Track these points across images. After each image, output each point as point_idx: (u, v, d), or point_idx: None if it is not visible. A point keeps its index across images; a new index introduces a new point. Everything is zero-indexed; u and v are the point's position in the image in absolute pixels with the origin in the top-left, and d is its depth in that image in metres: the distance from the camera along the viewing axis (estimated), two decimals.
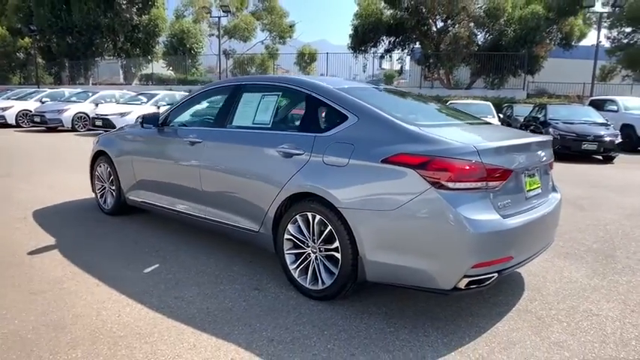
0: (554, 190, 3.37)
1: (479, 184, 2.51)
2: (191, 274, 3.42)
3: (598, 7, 23.93)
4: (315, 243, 2.98)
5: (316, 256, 2.99)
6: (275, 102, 3.46)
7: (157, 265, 3.59)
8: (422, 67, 26.04)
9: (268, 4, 31.30)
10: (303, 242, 3.06)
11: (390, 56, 28.12)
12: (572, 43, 25.81)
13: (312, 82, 3.36)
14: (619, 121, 13.47)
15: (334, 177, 2.83)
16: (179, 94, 16.28)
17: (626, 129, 13.28)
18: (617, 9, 24.29)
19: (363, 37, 25.12)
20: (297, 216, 3.05)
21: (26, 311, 2.79)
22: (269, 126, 3.42)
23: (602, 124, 11.75)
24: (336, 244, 2.83)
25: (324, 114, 3.20)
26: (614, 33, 27.32)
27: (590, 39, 28.01)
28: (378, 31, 25.04)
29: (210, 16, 27.75)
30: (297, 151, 3.05)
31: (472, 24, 24.36)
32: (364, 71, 28.78)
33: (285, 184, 3.08)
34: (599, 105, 14.74)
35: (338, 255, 2.83)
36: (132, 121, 13.80)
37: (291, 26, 32.48)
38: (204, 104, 4.26)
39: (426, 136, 2.67)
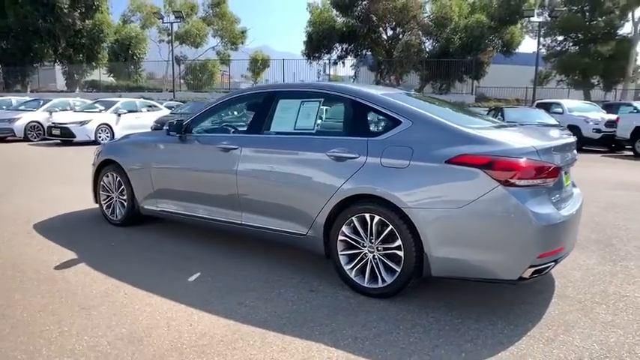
0: (574, 185, 3.69)
1: (539, 181, 2.74)
2: (239, 280, 3.42)
3: (535, 17, 25.80)
4: (372, 243, 3.09)
5: (374, 256, 3.10)
6: (317, 108, 3.53)
7: (199, 274, 3.54)
8: (375, 72, 26.83)
9: (219, 10, 30.92)
10: (358, 242, 3.16)
11: (343, 62, 28.70)
12: (512, 51, 27.60)
13: (356, 89, 3.48)
14: (565, 122, 14.56)
15: (395, 178, 2.96)
16: (139, 101, 15.78)
17: (572, 130, 14.36)
18: (550, 19, 26.32)
19: (318, 44, 25.50)
20: (353, 217, 3.14)
21: (90, 327, 2.69)
22: (313, 131, 3.50)
23: (554, 126, 12.69)
24: (398, 242, 2.96)
25: (373, 118, 3.32)
26: (549, 41, 29.45)
27: (528, 47, 30.04)
28: (332, 38, 25.53)
29: (162, 22, 26.95)
30: (351, 155, 3.15)
31: (421, 32, 25.40)
32: (318, 77, 29.17)
33: (340, 187, 3.16)
34: (545, 107, 15.86)
35: (400, 253, 2.96)
36: (93, 130, 13.23)
37: (243, 32, 32.27)
38: (230, 112, 4.24)
39: (484, 138, 2.87)
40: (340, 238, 3.22)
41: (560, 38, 28.79)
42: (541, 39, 29.28)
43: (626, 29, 27.86)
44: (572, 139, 3.44)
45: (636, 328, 2.77)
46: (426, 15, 25.06)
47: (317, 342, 2.55)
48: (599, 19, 28.05)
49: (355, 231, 3.16)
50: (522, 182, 2.68)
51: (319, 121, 3.54)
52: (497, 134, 2.98)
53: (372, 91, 3.42)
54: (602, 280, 3.52)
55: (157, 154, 4.39)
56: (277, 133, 3.68)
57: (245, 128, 3.93)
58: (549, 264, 2.78)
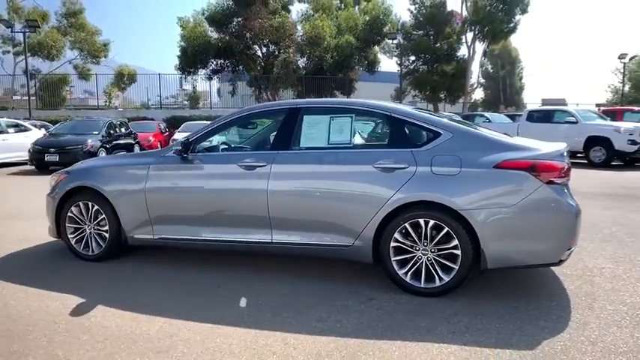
0: None
1: (565, 179, 3.30)
2: (292, 299, 3.36)
3: (394, 40, 28.82)
4: (426, 246, 3.35)
5: (428, 258, 3.36)
6: (350, 123, 3.67)
7: (244, 299, 3.38)
8: (253, 88, 27.06)
9: (75, 20, 27.87)
10: (411, 247, 3.38)
11: (219, 77, 28.30)
12: (375, 69, 30.34)
13: (389, 105, 3.72)
14: (583, 133, 13.06)
15: (450, 185, 3.27)
16: (4, 120, 13.54)
17: (598, 142, 12.87)
18: (404, 42, 29.69)
19: (193, 59, 24.78)
20: (406, 224, 3.36)
21: None
22: (350, 145, 3.63)
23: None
24: (455, 242, 3.26)
25: (411, 131, 3.58)
26: (405, 62, 33.04)
27: (388, 66, 33.21)
28: (208, 53, 25.04)
29: (12, 31, 23.31)
30: (400, 165, 3.38)
31: (296, 50, 26.35)
32: (194, 92, 28.34)
33: (392, 196, 3.35)
34: (546, 118, 14.48)
35: (457, 251, 3.27)
36: None
37: (105, 45, 29.58)
38: (241, 129, 4.11)
39: (519, 145, 3.36)
40: (393, 244, 3.40)
41: (413, 58, 32.48)
42: (398, 59, 32.82)
43: (463, 51, 32.68)
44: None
45: None
46: (299, 35, 26.09)
47: (424, 342, 2.71)
48: (443, 42, 32.45)
49: (408, 236, 3.38)
50: (559, 180, 3.21)
51: (355, 136, 3.67)
52: (523, 141, 3.50)
53: (403, 107, 3.69)
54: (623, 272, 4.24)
55: (154, 176, 4.01)
56: (309, 148, 3.72)
57: (268, 145, 3.86)
58: (573, 247, 3.36)
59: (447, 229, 3.27)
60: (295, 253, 3.75)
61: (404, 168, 3.37)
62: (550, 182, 3.17)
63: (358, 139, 3.75)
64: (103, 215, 4.16)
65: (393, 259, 3.42)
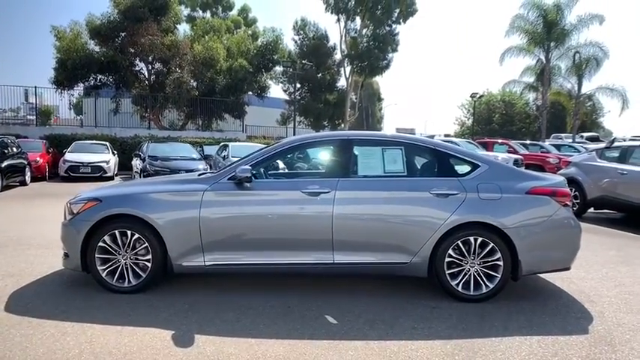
0: None
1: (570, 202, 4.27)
2: (372, 314, 3.70)
3: (281, 67, 29.90)
4: (474, 259, 4.00)
5: (475, 269, 4.01)
6: (401, 154, 4.20)
7: (332, 317, 3.62)
8: (139, 107, 25.57)
9: None
10: (461, 261, 4.01)
11: (98, 93, 26.06)
12: (265, 94, 31.02)
13: (431, 140, 4.35)
14: None
15: (494, 208, 3.99)
16: None
17: None
18: (292, 70, 31.00)
19: (74, 72, 22.56)
20: (459, 241, 3.98)
21: None
22: (405, 174, 4.15)
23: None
24: (497, 255, 3.97)
25: (455, 163, 4.23)
26: (292, 89, 34.36)
27: (276, 92, 34.18)
28: (91, 67, 23.03)
29: None
30: (453, 192, 4.00)
31: (187, 70, 25.66)
32: (69, 108, 25.69)
33: (448, 218, 3.95)
34: None
35: (500, 263, 3.98)
36: None
37: None
38: (289, 157, 4.33)
39: (539, 175, 4.25)
40: (447, 260, 3.99)
41: (299, 86, 33.98)
42: (287, 86, 34.01)
43: (342, 82, 35.28)
44: None
45: None
46: (191, 56, 25.47)
47: (509, 336, 3.32)
48: (325, 73, 34.64)
49: (460, 252, 4.00)
50: (568, 203, 4.15)
51: (407, 166, 4.20)
52: (534, 173, 4.41)
53: (442, 142, 4.36)
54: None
55: (210, 203, 3.98)
56: (366, 176, 4.14)
57: (324, 172, 4.16)
58: None
59: (491, 244, 3.97)
60: (355, 272, 4.09)
61: (456, 194, 4.00)
62: (565, 205, 4.10)
63: (411, 169, 4.26)
64: (145, 244, 3.98)
65: (447, 272, 4.00)
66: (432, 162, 4.29)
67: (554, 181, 4.23)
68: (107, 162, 15.57)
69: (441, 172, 4.22)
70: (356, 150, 4.23)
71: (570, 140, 26.76)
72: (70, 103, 25.37)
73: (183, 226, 3.97)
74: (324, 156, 4.45)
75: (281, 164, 4.79)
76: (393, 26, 32.36)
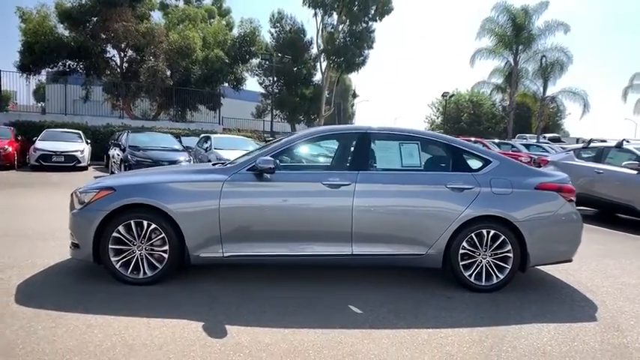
0: None
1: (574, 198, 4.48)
2: (393, 305, 3.79)
3: (257, 60, 29.60)
4: (485, 251, 4.15)
5: (487, 261, 4.16)
6: (417, 149, 4.29)
7: (352, 306, 3.69)
8: (111, 95, 24.82)
9: None
10: (474, 252, 4.14)
11: (66, 79, 25.08)
12: (241, 86, 30.64)
13: (445, 136, 4.45)
14: None
15: (506, 202, 4.14)
16: None
17: None
18: (268, 63, 30.79)
19: (41, 57, 21.64)
20: (472, 234, 4.12)
21: None
22: (421, 168, 4.24)
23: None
24: (508, 247, 4.13)
25: (468, 158, 4.35)
26: (267, 82, 34.12)
27: (251, 85, 33.82)
28: (60, 52, 22.16)
29: None
30: (468, 186, 4.13)
31: (162, 58, 25.05)
32: (33, 94, 24.56)
33: (463, 211, 4.07)
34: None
35: (510, 254, 4.14)
36: None
37: None
38: (308, 150, 4.35)
39: (545, 172, 4.43)
40: (461, 251, 4.12)
41: (275, 79, 33.77)
42: (263, 79, 33.74)
43: (319, 77, 35.27)
44: None
45: None
46: (167, 45, 24.86)
47: (528, 323, 3.49)
48: (301, 67, 34.55)
49: (473, 244, 4.14)
50: (572, 198, 4.36)
51: (423, 160, 4.30)
52: (537, 169, 4.59)
53: (455, 138, 4.48)
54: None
55: (230, 193, 3.95)
56: (385, 169, 4.21)
57: (343, 165, 4.22)
58: None
59: (503, 237, 4.12)
60: (372, 264, 4.17)
61: (471, 188, 4.13)
62: (570, 200, 4.30)
63: (427, 163, 4.36)
64: (162, 234, 3.92)
65: (460, 263, 4.13)
66: (447, 157, 4.40)
67: (560, 178, 4.42)
68: (81, 151, 15.05)
69: (455, 167, 4.34)
70: (375, 143, 4.30)
71: (535, 140, 27.81)
72: (35, 91, 24.49)
73: (202, 216, 3.94)
74: (343, 148, 4.49)
75: (297, 156, 4.79)
76: (370, 23, 32.53)
